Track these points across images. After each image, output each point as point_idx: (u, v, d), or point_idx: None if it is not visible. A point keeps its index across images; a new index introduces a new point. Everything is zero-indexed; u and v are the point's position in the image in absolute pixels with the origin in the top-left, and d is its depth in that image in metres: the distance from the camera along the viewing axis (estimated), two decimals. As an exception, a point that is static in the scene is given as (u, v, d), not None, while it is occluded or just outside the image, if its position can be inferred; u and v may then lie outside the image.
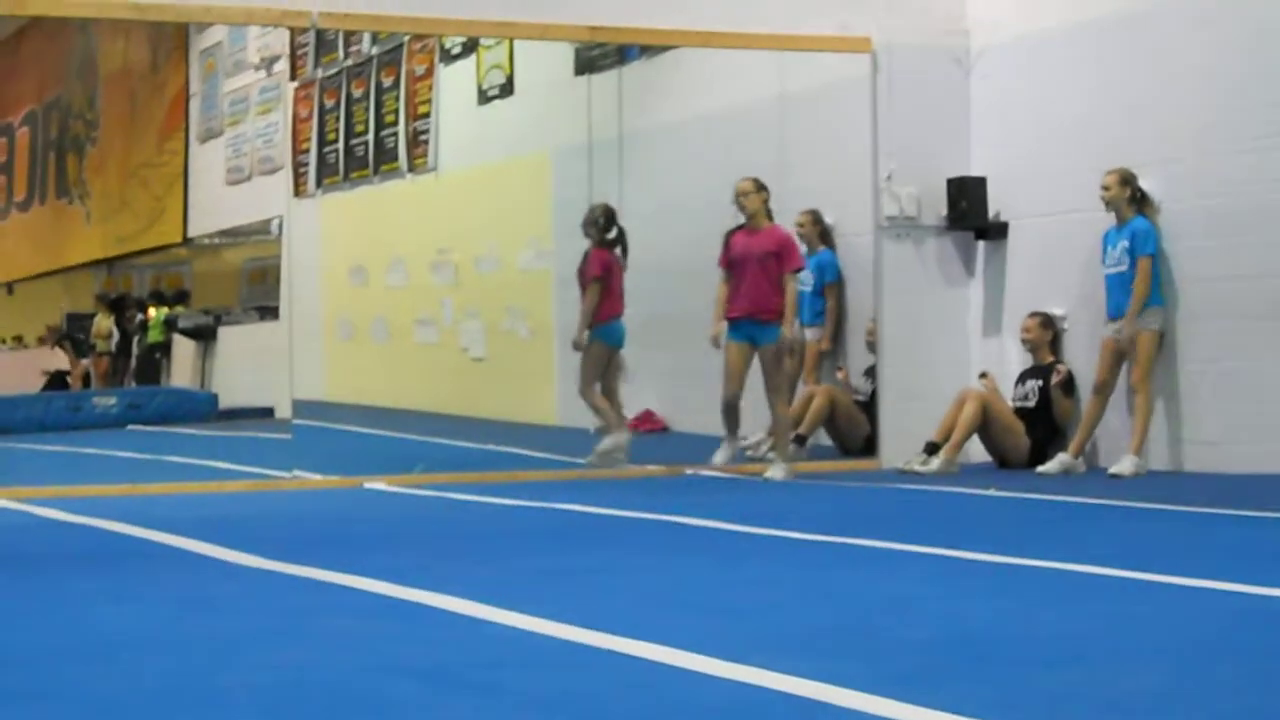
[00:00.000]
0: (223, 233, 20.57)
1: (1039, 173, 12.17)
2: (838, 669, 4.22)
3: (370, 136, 17.57)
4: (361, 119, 17.65)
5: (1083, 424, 11.29)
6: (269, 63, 19.13)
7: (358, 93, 17.75)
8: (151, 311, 21.31)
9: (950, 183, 12.39)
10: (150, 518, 8.47)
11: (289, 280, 18.47)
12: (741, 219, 11.49)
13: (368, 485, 10.98)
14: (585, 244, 12.68)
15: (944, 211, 12.43)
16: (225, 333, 20.19)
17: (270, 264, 19.25)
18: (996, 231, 12.39)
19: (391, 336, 17.02)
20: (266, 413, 18.50)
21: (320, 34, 17.46)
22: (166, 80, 21.43)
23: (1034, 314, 11.89)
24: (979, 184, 12.39)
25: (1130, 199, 11.03)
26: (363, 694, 4.08)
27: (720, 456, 11.37)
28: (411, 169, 17.03)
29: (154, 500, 10.03)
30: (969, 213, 12.34)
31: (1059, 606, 5.46)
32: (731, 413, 11.32)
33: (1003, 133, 12.41)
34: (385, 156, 17.37)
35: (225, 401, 19.35)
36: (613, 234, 12.44)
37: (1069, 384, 11.70)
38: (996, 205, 12.41)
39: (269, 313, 19.25)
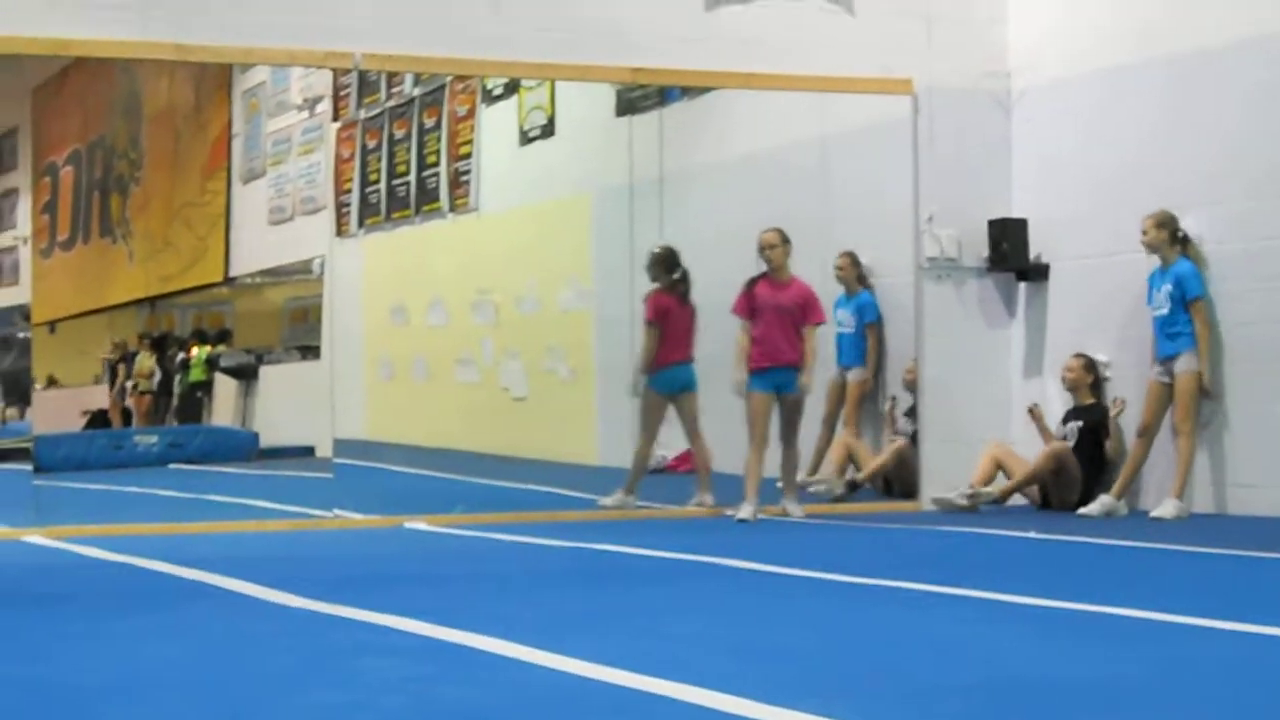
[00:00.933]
0: (264, 272, 20.62)
1: (1081, 214, 12.15)
2: (879, 712, 4.20)
3: (412, 177, 17.63)
4: (403, 159, 17.72)
5: (1126, 466, 11.25)
6: (312, 103, 19.21)
7: (400, 133, 17.82)
8: (194, 350, 21.37)
9: (992, 224, 12.38)
10: (192, 557, 8.48)
11: (330, 320, 18.53)
12: (764, 267, 11.62)
13: (409, 525, 10.98)
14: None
15: (985, 253, 12.41)
16: (266, 372, 20.23)
17: (312, 303, 19.29)
18: (1038, 273, 12.37)
19: (432, 376, 17.05)
20: (307, 452, 18.52)
21: (363, 75, 17.53)
22: (209, 120, 21.52)
23: (1078, 355, 11.87)
24: (1020, 226, 12.37)
25: (1171, 241, 11.01)
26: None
27: (745, 512, 11.26)
28: (453, 209, 17.07)
29: (195, 539, 10.04)
30: (1010, 254, 12.33)
31: (1103, 651, 5.42)
32: (755, 469, 11.38)
33: (1044, 174, 12.40)
34: (427, 197, 17.43)
35: (266, 440, 19.36)
36: (676, 275, 12.36)
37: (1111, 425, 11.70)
38: (1038, 247, 12.39)
39: (310, 352, 19.29)
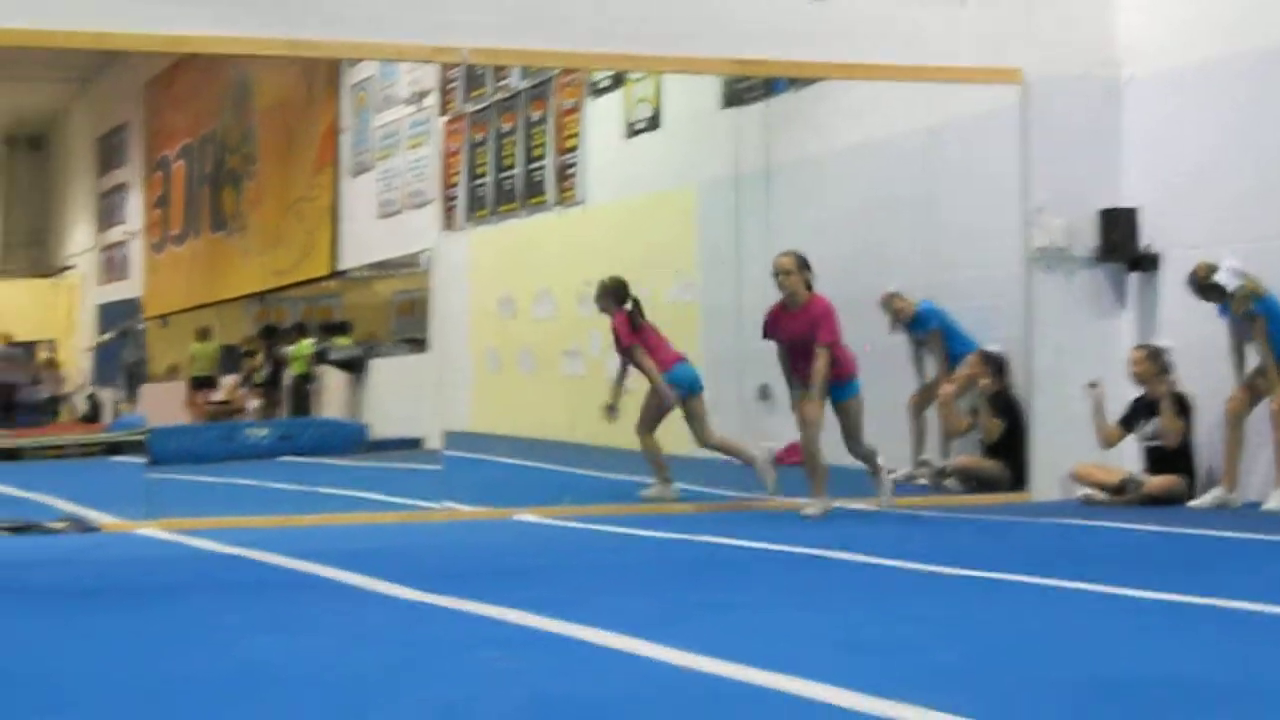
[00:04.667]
0: (373, 265, 20.77)
1: (1191, 203, 12.04)
2: (987, 707, 4.19)
3: (519, 170, 17.70)
4: (510, 153, 17.79)
5: (1228, 455, 11.15)
6: (419, 97, 19.32)
7: (506, 127, 17.90)
8: (299, 343, 21.55)
9: (1102, 214, 12.29)
10: (305, 549, 8.56)
11: (438, 313, 18.62)
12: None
13: (517, 517, 11.03)
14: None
15: (1095, 243, 12.32)
16: (375, 364, 20.37)
17: (419, 296, 19.40)
18: (1148, 263, 12.27)
19: (539, 368, 17.13)
20: (415, 444, 18.64)
21: (470, 68, 17.62)
22: (319, 114, 21.70)
23: (1139, 346, 11.80)
24: (1130, 215, 12.28)
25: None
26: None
27: (814, 509, 10.96)
28: (559, 202, 17.13)
29: (307, 532, 10.13)
30: (1120, 244, 12.24)
31: (1218, 645, 5.38)
32: (811, 465, 11.17)
33: (1154, 163, 12.29)
34: (533, 190, 17.49)
35: (375, 432, 19.51)
36: (627, 305, 12.59)
37: (1181, 404, 11.60)
38: (1148, 236, 12.29)
39: (418, 344, 19.40)
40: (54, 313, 28.59)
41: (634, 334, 12.50)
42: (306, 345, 21.32)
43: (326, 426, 20.43)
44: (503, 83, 17.92)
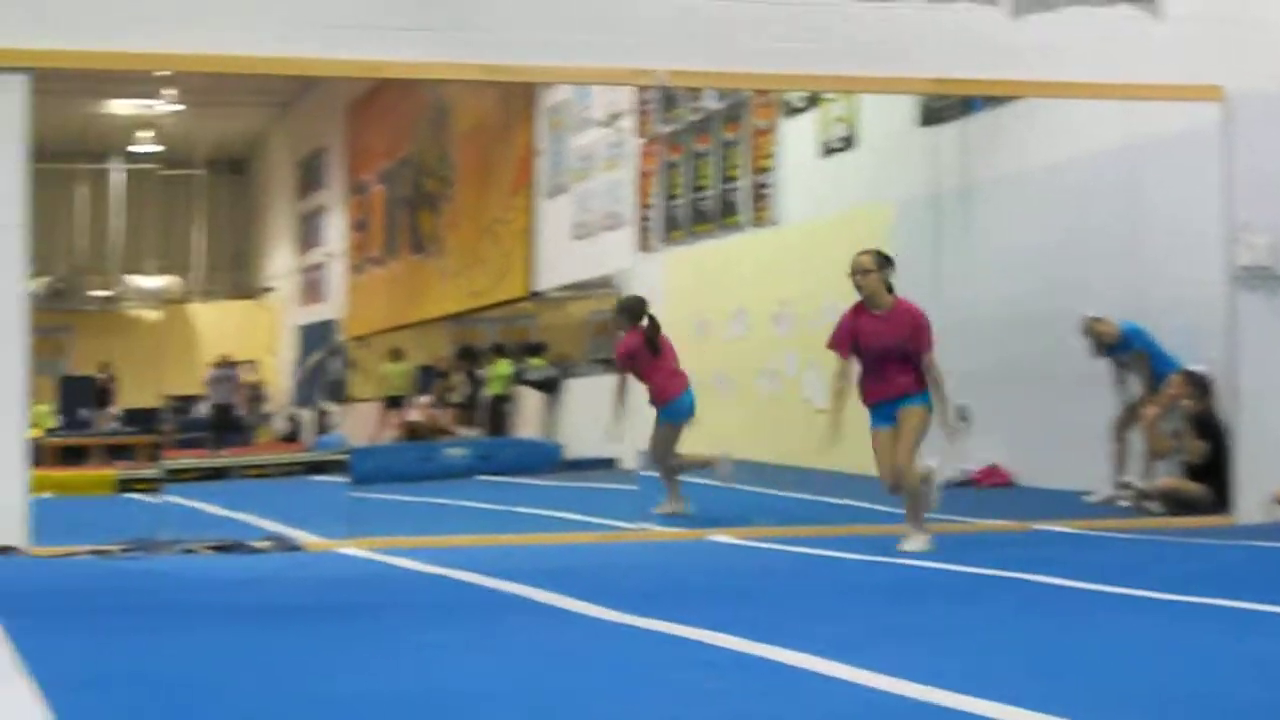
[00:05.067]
0: (568, 287, 20.91)
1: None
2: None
3: (713, 191, 17.74)
4: (705, 173, 17.84)
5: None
6: (615, 119, 19.44)
7: (702, 148, 17.95)
8: (496, 364, 21.75)
9: (1308, 232, 12.07)
10: (503, 569, 8.63)
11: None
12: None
13: (713, 538, 11.04)
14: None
15: (1300, 261, 12.11)
16: (570, 385, 20.51)
17: (614, 317, 19.50)
18: (1354, 281, 12.03)
19: (734, 388, 17.12)
20: (609, 464, 18.72)
21: (666, 91, 17.69)
22: (515, 137, 21.91)
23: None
24: (1337, 233, 12.04)
25: None
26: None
27: (910, 544, 10.10)
28: (754, 222, 17.14)
29: (505, 551, 10.21)
30: (1326, 262, 12.01)
31: None
32: (909, 494, 10.21)
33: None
34: (728, 210, 17.52)
35: (570, 452, 19.63)
36: (643, 323, 13.02)
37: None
38: (1355, 254, 12.05)
39: (612, 365, 19.49)
40: (255, 333, 29.11)
41: (647, 355, 12.88)
42: (504, 366, 21.52)
43: (523, 446, 20.60)
44: (698, 104, 17.98)
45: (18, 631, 6.30)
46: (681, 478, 12.78)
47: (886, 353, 10.13)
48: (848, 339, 10.32)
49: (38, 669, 5.35)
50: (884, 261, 10.31)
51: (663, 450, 12.71)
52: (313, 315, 28.87)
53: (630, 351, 12.87)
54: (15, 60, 10.14)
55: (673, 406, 12.81)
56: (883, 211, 15.76)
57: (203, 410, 25.92)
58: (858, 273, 10.27)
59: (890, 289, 10.30)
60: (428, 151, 24.63)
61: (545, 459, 19.46)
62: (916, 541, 10.07)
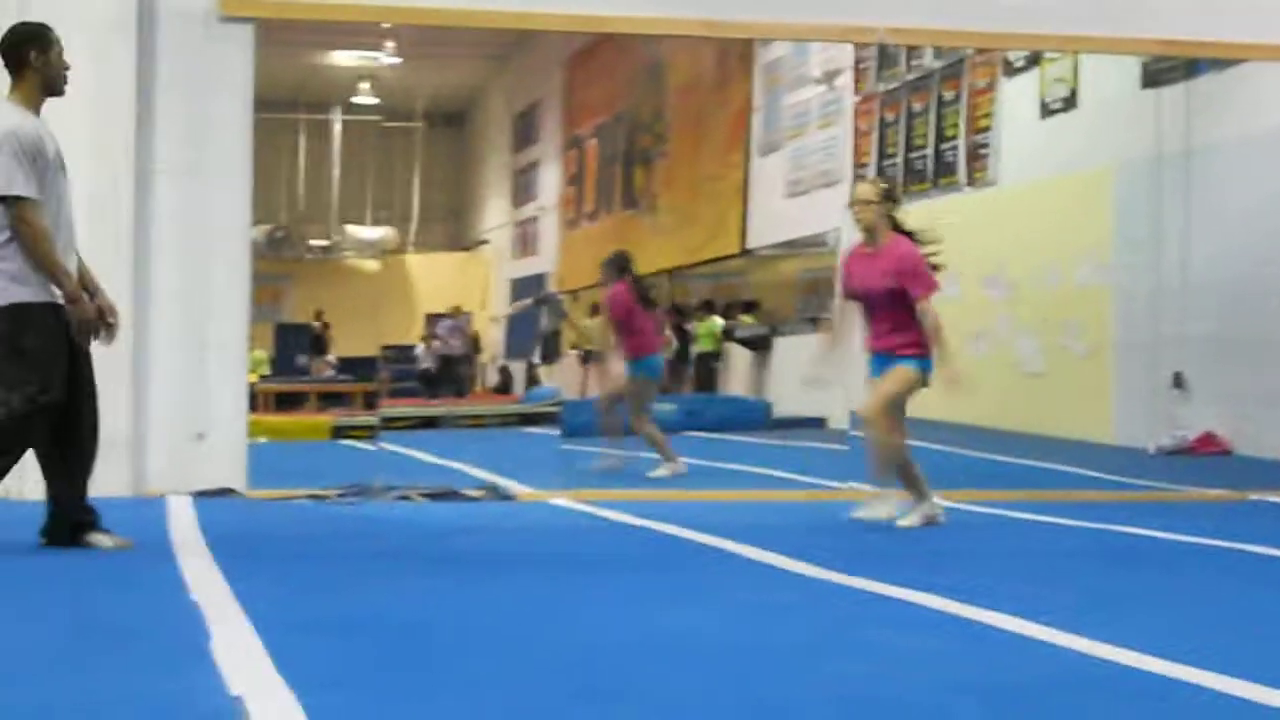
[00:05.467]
0: (780, 244, 20.88)
1: None
2: None
3: (930, 150, 17.59)
4: (921, 132, 17.69)
5: None
6: (831, 77, 19.35)
7: (918, 106, 17.79)
8: (707, 320, 21.78)
9: None
10: (711, 524, 8.65)
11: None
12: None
13: (921, 499, 10.91)
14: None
15: None
16: (779, 343, 20.49)
17: (824, 276, 19.45)
18: None
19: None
20: (818, 423, 18.68)
21: (883, 48, 17.57)
22: (731, 94, 21.89)
23: None
24: None
25: None
26: (927, 711, 4.09)
27: (869, 510, 9.11)
28: (970, 183, 16.97)
29: (713, 506, 10.23)
30: None
31: None
32: (901, 469, 9.11)
33: None
34: (944, 170, 17.36)
35: (779, 411, 19.63)
36: (628, 277, 13.17)
37: None
38: None
39: (822, 323, 19.44)
40: (469, 286, 29.44)
41: (640, 308, 13.06)
42: (715, 323, 21.54)
43: (731, 404, 20.63)
44: (915, 62, 17.83)
45: (236, 573, 6.44)
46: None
47: (872, 296, 8.96)
48: (843, 278, 9.22)
49: (254, 610, 5.46)
50: (887, 194, 9.11)
51: (638, 405, 12.98)
52: (525, 269, 29.15)
53: (626, 302, 13.09)
54: (241, 9, 10.30)
55: (652, 362, 13.12)
56: (1102, 174, 15.53)
57: (425, 361, 26.31)
58: (856, 203, 9.06)
59: (897, 228, 9.08)
60: (643, 107, 24.70)
61: (753, 416, 19.47)
62: (878, 507, 9.02)
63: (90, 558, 7.12)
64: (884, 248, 8.94)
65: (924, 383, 9.04)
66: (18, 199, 7.04)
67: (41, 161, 7.11)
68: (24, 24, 7.52)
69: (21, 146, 7.06)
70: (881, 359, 9.02)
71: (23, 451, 7.27)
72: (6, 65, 7.34)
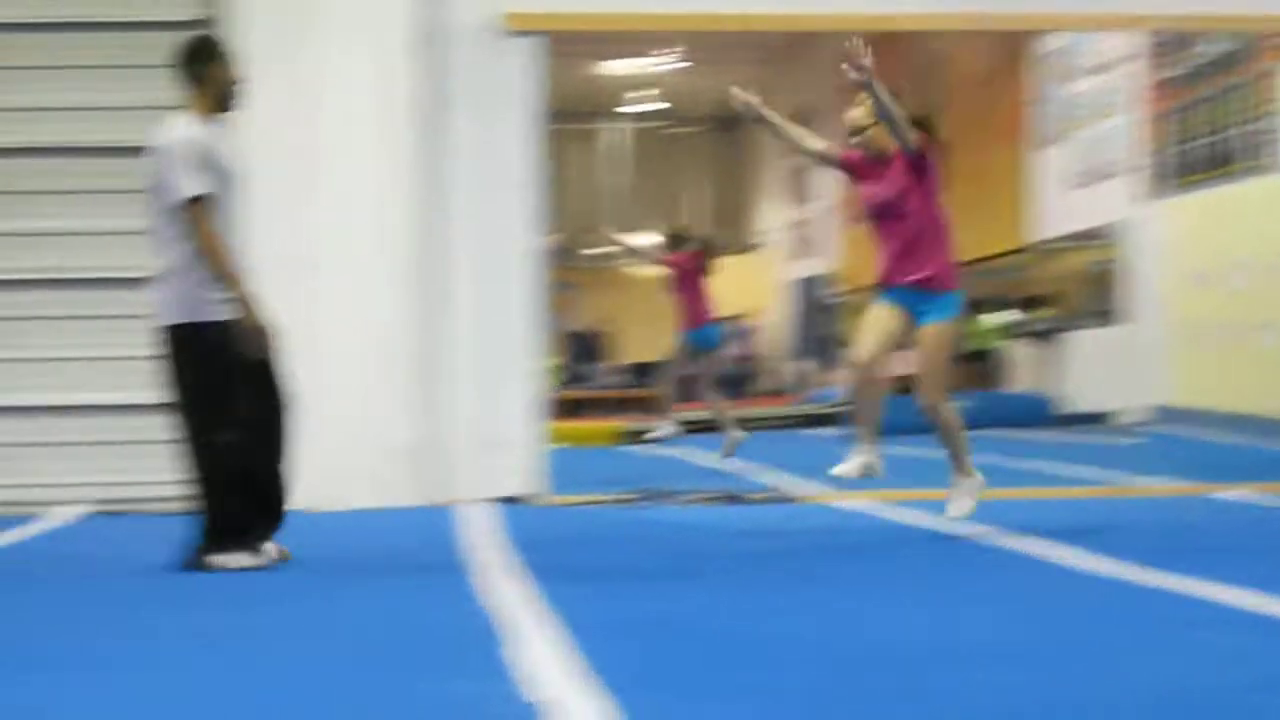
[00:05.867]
0: (1063, 237, 20.60)
1: None
2: None
3: (1216, 138, 17.22)
4: (1208, 120, 17.33)
5: None
6: (1111, 66, 19.05)
7: (1204, 93, 17.43)
8: (991, 317, 21.57)
9: None
10: (1004, 523, 8.56)
11: (1132, 284, 18.33)
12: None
13: (1220, 494, 10.68)
14: None
15: None
16: (1065, 337, 20.22)
17: (1109, 268, 19.15)
18: None
19: (1236, 340, 16.60)
20: (1102, 418, 18.40)
21: (1164, 36, 17.25)
22: (1010, 86, 21.66)
23: None
24: None
25: None
26: (1247, 711, 4.04)
27: (845, 467, 8.31)
28: (1259, 170, 16.58)
29: (1004, 505, 10.11)
30: None
31: None
32: (866, 405, 8.37)
33: None
34: (1232, 158, 16.98)
35: (1065, 406, 19.37)
36: (688, 247, 13.75)
37: None
38: None
39: (1105, 317, 19.15)
40: (749, 288, 29.49)
41: (698, 274, 13.41)
42: (984, 321, 21.30)
43: (1013, 400, 20.40)
44: (1200, 49, 17.46)
45: (547, 578, 6.55)
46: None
47: (891, 213, 8.12)
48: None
49: (567, 615, 5.55)
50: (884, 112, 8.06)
51: (675, 372, 13.62)
52: (805, 269, 29.12)
53: (686, 265, 13.46)
54: (526, 24, 10.48)
55: (706, 332, 13.42)
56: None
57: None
58: (854, 134, 8.32)
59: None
60: (920, 103, 24.53)
61: (1037, 412, 19.24)
62: (962, 503, 8.32)
63: (382, 564, 7.33)
64: (890, 161, 8.19)
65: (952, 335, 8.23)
66: (194, 199, 6.92)
67: (214, 171, 7.00)
68: (199, 36, 7.49)
69: (193, 152, 6.95)
70: (914, 294, 8.14)
71: (254, 474, 7.11)
72: (185, 78, 7.19)
